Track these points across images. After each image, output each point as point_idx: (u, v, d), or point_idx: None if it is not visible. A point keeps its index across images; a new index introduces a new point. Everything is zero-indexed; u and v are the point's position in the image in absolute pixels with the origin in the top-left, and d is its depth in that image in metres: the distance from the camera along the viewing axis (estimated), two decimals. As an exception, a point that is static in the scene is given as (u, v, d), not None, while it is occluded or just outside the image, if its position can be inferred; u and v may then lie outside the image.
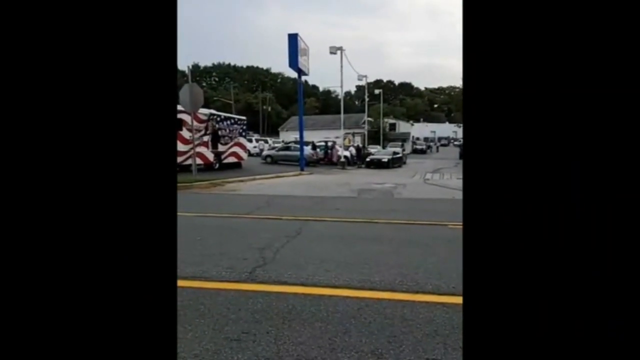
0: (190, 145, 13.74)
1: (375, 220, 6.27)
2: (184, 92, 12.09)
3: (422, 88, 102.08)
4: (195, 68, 74.59)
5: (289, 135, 44.85)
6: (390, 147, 35.50)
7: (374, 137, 45.96)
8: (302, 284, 3.23)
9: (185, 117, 14.52)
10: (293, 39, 19.03)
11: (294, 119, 49.49)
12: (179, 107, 13.47)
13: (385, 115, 54.27)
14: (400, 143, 42.98)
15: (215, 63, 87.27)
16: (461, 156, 27.93)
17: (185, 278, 3.35)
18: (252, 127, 41.44)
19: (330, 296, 2.97)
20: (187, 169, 14.88)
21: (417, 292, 3.06)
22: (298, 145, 21.86)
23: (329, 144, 26.72)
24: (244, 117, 21.47)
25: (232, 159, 19.08)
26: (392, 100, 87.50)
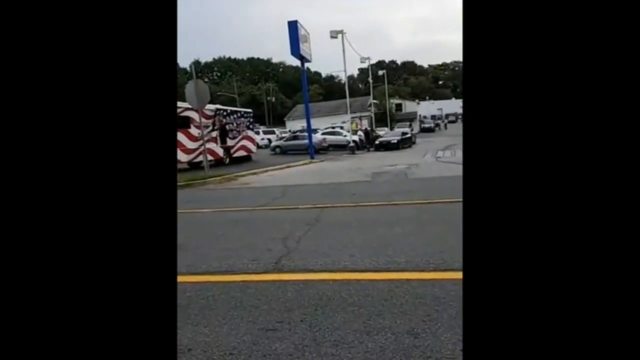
0: (200, 142, 13.78)
1: (393, 202, 6.25)
2: (190, 90, 12.03)
3: (426, 65, 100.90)
4: (196, 65, 74.63)
5: (295, 124, 44.79)
6: (398, 127, 35.24)
7: (381, 119, 45.70)
8: (329, 270, 3.25)
9: (192, 115, 14.53)
10: (293, 26, 18.81)
11: (299, 108, 49.31)
12: (186, 105, 13.50)
13: (391, 96, 53.82)
14: (408, 123, 42.72)
15: (216, 58, 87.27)
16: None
17: (212, 273, 3.39)
18: (258, 119, 41.38)
19: (359, 280, 2.98)
20: (198, 166, 14.96)
21: (445, 270, 3.06)
22: (306, 134, 21.79)
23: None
24: (250, 110, 21.42)
25: (241, 153, 19.14)
26: (396, 81, 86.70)
